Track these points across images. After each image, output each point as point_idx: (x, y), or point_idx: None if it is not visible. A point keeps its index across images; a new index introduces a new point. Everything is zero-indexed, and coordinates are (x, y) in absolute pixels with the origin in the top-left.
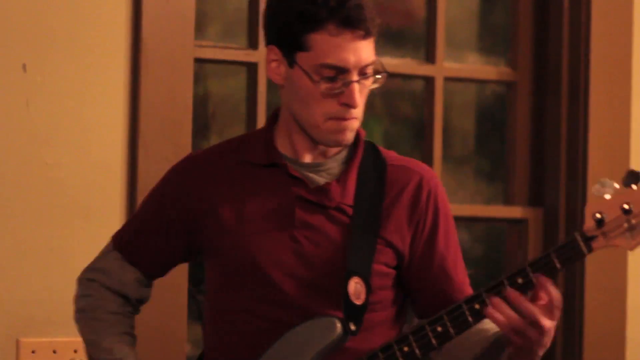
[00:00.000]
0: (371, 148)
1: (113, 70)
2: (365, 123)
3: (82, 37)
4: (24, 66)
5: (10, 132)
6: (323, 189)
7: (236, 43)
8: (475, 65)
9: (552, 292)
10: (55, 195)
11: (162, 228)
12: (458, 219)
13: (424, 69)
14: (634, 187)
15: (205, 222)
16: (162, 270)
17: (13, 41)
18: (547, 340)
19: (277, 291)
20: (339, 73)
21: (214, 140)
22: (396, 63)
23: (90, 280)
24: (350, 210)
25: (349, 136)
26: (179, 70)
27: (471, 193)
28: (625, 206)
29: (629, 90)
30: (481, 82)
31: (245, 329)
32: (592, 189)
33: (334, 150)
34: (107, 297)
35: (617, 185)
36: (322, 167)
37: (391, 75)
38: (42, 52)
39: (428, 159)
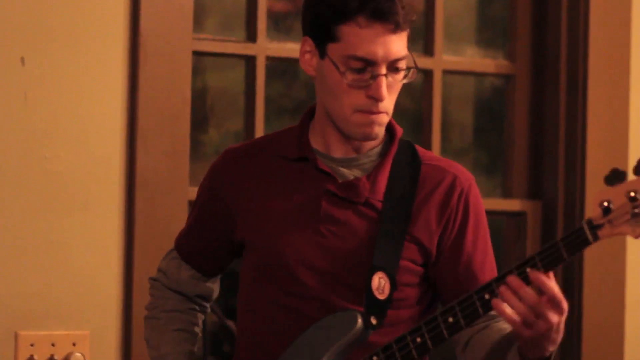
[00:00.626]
0: (408, 146)
1: (111, 63)
2: None
3: (80, 31)
4: (22, 60)
5: (8, 125)
6: (352, 184)
7: (234, 36)
8: (474, 58)
9: (550, 288)
10: (54, 188)
11: (206, 224)
12: None
13: (423, 62)
14: None
15: (240, 216)
16: (215, 266)
17: (11, 35)
18: (557, 337)
19: (302, 285)
20: (367, 65)
21: (212, 133)
22: None
23: (154, 280)
24: (379, 206)
25: (377, 130)
26: (177, 63)
27: None
28: (632, 194)
29: (627, 82)
30: (480, 75)
31: (271, 322)
32: (605, 177)
33: (367, 145)
34: (166, 295)
35: (629, 175)
36: (354, 162)
37: None
38: (40, 46)
39: None
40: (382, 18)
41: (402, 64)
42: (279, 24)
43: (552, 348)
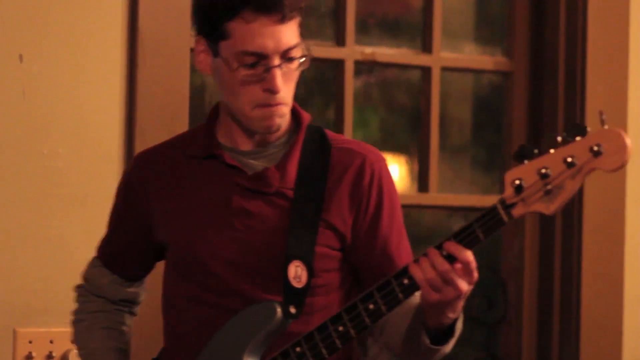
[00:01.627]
0: (317, 132)
1: (110, 60)
2: (361, 113)
3: (78, 27)
4: (20, 57)
5: (6, 122)
6: (261, 175)
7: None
8: (472, 55)
9: (464, 255)
10: (52, 184)
11: (124, 229)
12: (455, 209)
13: (421, 59)
14: (551, 151)
15: (155, 218)
16: (137, 270)
17: (9, 31)
18: (458, 304)
19: (219, 279)
20: (260, 59)
21: None
22: (393, 53)
23: (79, 287)
24: (291, 194)
25: (278, 122)
26: (175, 60)
27: (468, 183)
28: (543, 171)
29: (625, 79)
30: (478, 71)
31: (192, 318)
32: (513, 155)
33: (272, 136)
34: (90, 299)
35: (535, 151)
36: (262, 153)
37: (388, 65)
38: (38, 42)
39: (425, 149)
40: (268, 10)
41: (296, 52)
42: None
43: (452, 315)
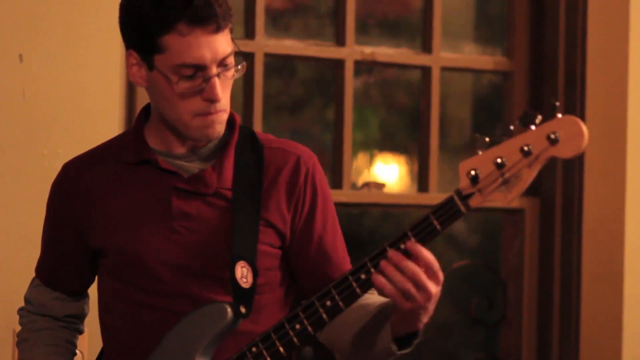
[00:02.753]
0: (247, 132)
1: (109, 60)
2: (361, 113)
3: (78, 28)
4: (20, 57)
5: (6, 122)
6: (198, 177)
7: (233, 33)
8: (472, 55)
9: (426, 256)
10: None
11: (59, 242)
12: None
13: (421, 59)
14: (505, 140)
15: (90, 226)
16: (78, 284)
17: (9, 32)
18: (431, 307)
19: (164, 283)
20: (198, 70)
21: None
22: (393, 53)
23: (21, 309)
24: (229, 195)
25: (219, 129)
26: None
27: None
28: (498, 160)
29: (625, 79)
30: (478, 71)
31: (137, 323)
32: (465, 145)
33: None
34: (33, 319)
35: (487, 140)
36: (196, 156)
37: (388, 65)
38: (38, 43)
39: (424, 149)
40: (203, 22)
41: (231, 60)
42: (277, 21)
43: (425, 319)
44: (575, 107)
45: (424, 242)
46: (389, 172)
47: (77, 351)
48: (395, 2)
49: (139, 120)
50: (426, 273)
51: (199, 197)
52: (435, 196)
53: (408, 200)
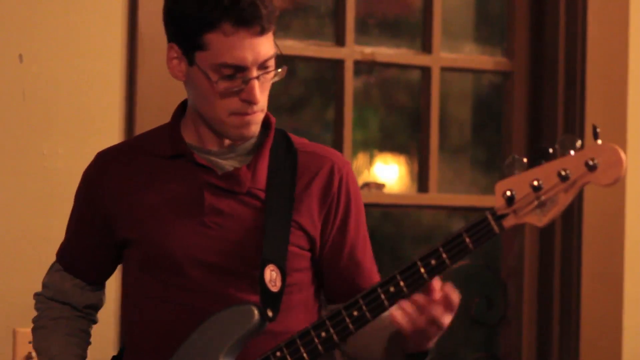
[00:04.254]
0: (282, 135)
1: (109, 60)
2: (361, 113)
3: (78, 28)
4: (20, 57)
5: (7, 122)
6: (232, 175)
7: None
8: (472, 55)
9: (447, 292)
10: (52, 185)
11: (85, 231)
12: (454, 209)
13: (421, 59)
14: (543, 163)
15: (118, 216)
16: (98, 273)
17: (9, 32)
18: (441, 332)
19: (190, 278)
20: (238, 71)
21: None
22: (392, 53)
23: (37, 295)
24: (262, 195)
25: (254, 129)
26: None
27: (467, 183)
28: (535, 183)
29: (625, 79)
30: (478, 72)
31: (162, 318)
32: (503, 165)
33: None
34: (51, 306)
35: (525, 161)
36: (231, 154)
37: (388, 65)
38: (38, 43)
39: (424, 149)
40: (247, 23)
41: (271, 63)
42: (276, 21)
43: (434, 340)
44: (575, 107)
45: (454, 259)
46: (388, 172)
47: None
48: (395, 2)
49: (175, 115)
50: (444, 305)
51: (232, 195)
52: (435, 196)
53: (408, 200)
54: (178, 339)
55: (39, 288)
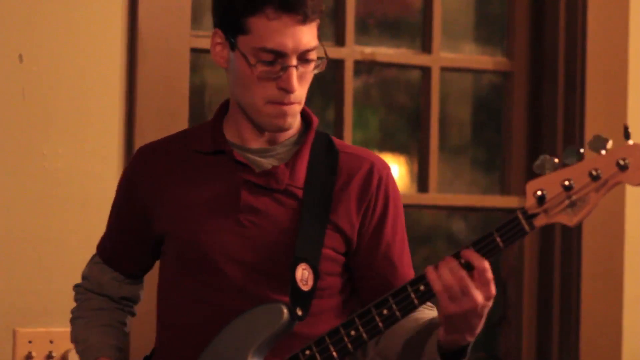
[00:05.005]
0: (324, 136)
1: (109, 60)
2: (361, 113)
3: (78, 28)
4: (20, 57)
5: (6, 122)
6: (271, 172)
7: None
8: (472, 55)
9: (484, 265)
10: (52, 185)
11: (125, 224)
12: (454, 209)
13: (421, 59)
14: (574, 163)
15: (157, 210)
16: (137, 267)
17: (9, 32)
18: (477, 323)
19: (223, 276)
20: (278, 57)
21: None
22: (392, 53)
23: (77, 286)
24: (300, 194)
25: (290, 121)
26: (175, 60)
27: (467, 183)
28: (566, 182)
29: (625, 79)
30: (478, 72)
31: (192, 316)
32: (534, 166)
33: (282, 135)
34: (89, 297)
35: (556, 161)
36: (270, 152)
37: (387, 65)
38: (38, 42)
39: (424, 149)
40: (291, 9)
41: (313, 55)
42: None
43: (470, 337)
44: (575, 107)
45: (484, 257)
46: None
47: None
48: (395, 2)
49: (218, 112)
50: (478, 280)
51: (269, 193)
52: (435, 196)
53: (408, 200)
54: (210, 337)
55: (38, 288)
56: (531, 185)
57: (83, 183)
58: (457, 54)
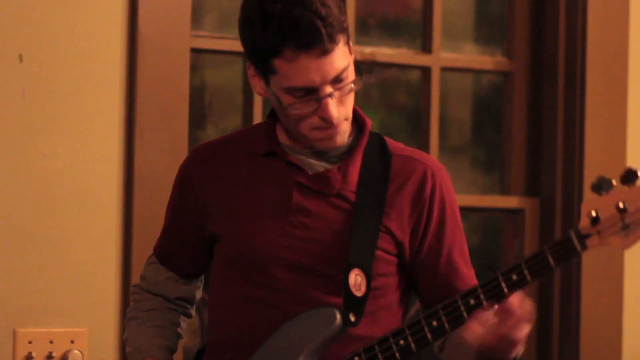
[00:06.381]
0: (378, 138)
1: (109, 60)
2: None
3: (78, 27)
4: (20, 57)
5: (7, 123)
6: (323, 176)
7: (232, 33)
8: (472, 55)
9: (521, 313)
10: (52, 185)
11: (180, 224)
12: None
13: (421, 59)
14: (631, 185)
15: (210, 210)
16: (193, 267)
17: (9, 32)
18: (519, 348)
19: (273, 277)
20: (309, 92)
21: (210, 130)
22: (393, 53)
23: (134, 286)
24: (353, 197)
25: (339, 139)
26: (175, 61)
27: (467, 183)
28: (621, 205)
29: (625, 79)
30: (478, 72)
31: (244, 315)
32: (591, 185)
33: None
34: (145, 297)
35: (614, 183)
36: (324, 154)
37: (387, 65)
38: (38, 43)
39: (424, 149)
40: (308, 47)
41: (347, 74)
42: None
43: (515, 353)
44: (575, 108)
45: (535, 275)
46: None
47: (77, 351)
48: (395, 2)
49: (272, 114)
50: (517, 325)
51: (321, 196)
52: None
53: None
54: (260, 337)
55: (39, 288)
56: (585, 205)
57: (83, 183)
58: (457, 54)
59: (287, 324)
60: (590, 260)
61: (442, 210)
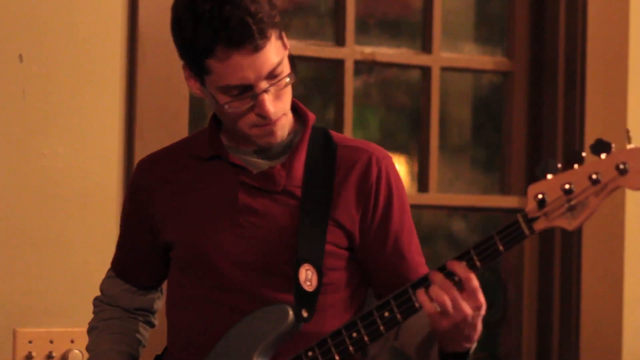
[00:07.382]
0: (321, 132)
1: (110, 60)
2: (361, 113)
3: (78, 27)
4: (20, 57)
5: (6, 122)
6: (267, 174)
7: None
8: (472, 55)
9: (466, 278)
10: (52, 185)
11: (133, 236)
12: (454, 209)
13: (421, 59)
14: (575, 166)
15: (161, 219)
16: (149, 278)
17: (9, 32)
18: (472, 333)
19: (226, 278)
20: (245, 90)
21: None
22: (392, 53)
23: (94, 299)
24: (298, 193)
25: (280, 134)
26: (175, 60)
27: (467, 183)
28: (567, 186)
29: (625, 79)
30: (478, 72)
31: (200, 317)
32: (536, 169)
33: None
34: (103, 308)
35: (559, 165)
36: (267, 152)
37: (388, 65)
38: (38, 43)
39: (424, 149)
40: (239, 45)
41: (281, 68)
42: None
43: (468, 344)
44: (575, 107)
45: (485, 261)
46: None
47: (77, 351)
48: (395, 2)
49: (213, 119)
50: (465, 292)
51: (267, 194)
52: (435, 196)
53: (408, 200)
54: (216, 338)
55: (39, 288)
56: (532, 189)
57: (83, 183)
58: (457, 54)
59: (240, 322)
60: (590, 260)
61: (389, 196)
